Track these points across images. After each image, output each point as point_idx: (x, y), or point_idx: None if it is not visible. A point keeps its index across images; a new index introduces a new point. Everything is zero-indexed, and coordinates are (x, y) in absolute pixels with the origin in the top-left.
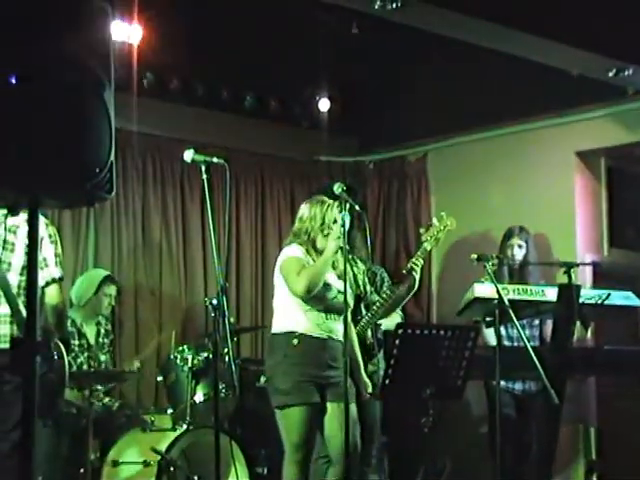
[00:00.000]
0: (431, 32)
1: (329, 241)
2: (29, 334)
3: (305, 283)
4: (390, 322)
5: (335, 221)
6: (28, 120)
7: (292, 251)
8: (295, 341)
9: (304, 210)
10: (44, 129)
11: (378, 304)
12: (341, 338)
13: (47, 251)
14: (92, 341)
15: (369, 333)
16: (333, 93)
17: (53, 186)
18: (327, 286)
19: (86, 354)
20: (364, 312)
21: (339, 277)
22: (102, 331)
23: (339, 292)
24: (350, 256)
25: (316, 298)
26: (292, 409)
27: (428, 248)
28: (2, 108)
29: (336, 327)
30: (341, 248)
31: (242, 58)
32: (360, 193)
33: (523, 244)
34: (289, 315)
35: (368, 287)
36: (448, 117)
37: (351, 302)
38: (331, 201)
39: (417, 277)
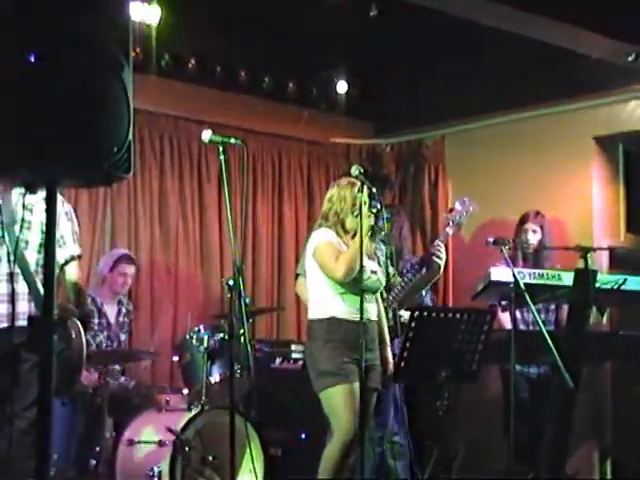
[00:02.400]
0: (450, 15)
1: (361, 221)
2: (46, 312)
3: (345, 269)
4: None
5: (366, 203)
6: (47, 100)
7: (324, 236)
8: (336, 327)
9: (333, 191)
10: (63, 109)
11: (399, 287)
12: (376, 318)
13: (64, 229)
14: (112, 320)
15: (389, 315)
16: (351, 76)
17: (71, 165)
18: (361, 268)
19: (105, 333)
20: (385, 295)
21: (369, 257)
22: (123, 310)
23: (372, 272)
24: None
25: (352, 281)
26: (338, 388)
27: (450, 232)
28: (21, 88)
29: (372, 308)
30: (372, 227)
31: (260, 40)
32: (388, 182)
33: (538, 229)
34: (326, 300)
35: (390, 269)
36: (466, 101)
37: (383, 281)
38: (360, 183)
39: (442, 263)
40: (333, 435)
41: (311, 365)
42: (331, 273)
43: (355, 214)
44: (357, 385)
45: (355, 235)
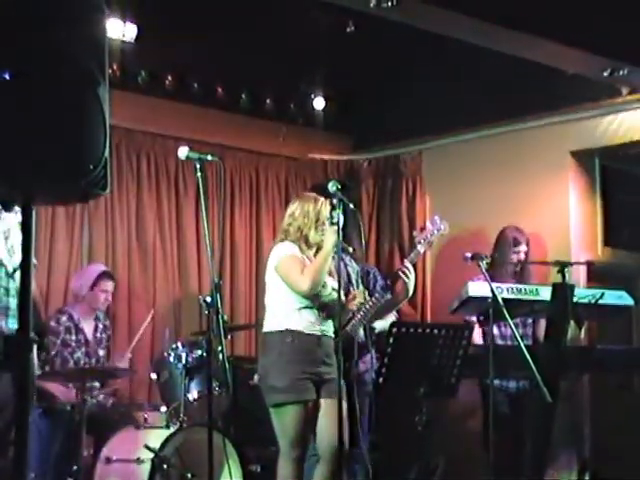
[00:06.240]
0: (427, 30)
1: (327, 235)
2: (23, 329)
3: (310, 281)
4: (385, 323)
5: (329, 218)
6: (22, 116)
7: (288, 249)
8: (289, 339)
9: (295, 207)
10: (38, 126)
11: (369, 304)
12: (332, 334)
13: (16, 239)
14: (89, 336)
15: (361, 332)
16: (328, 91)
17: (47, 182)
18: (323, 284)
19: (84, 349)
20: (356, 312)
21: (329, 274)
22: (100, 326)
23: (333, 289)
24: (345, 255)
25: (313, 297)
26: (289, 407)
27: (421, 251)
28: None
29: (329, 324)
30: (338, 243)
31: (237, 55)
32: (354, 190)
33: (526, 249)
34: (283, 313)
35: (361, 287)
36: (443, 116)
37: (344, 298)
38: (323, 198)
39: (410, 281)
40: (280, 450)
41: (263, 378)
42: (296, 285)
43: (319, 230)
44: (311, 403)
45: (318, 250)
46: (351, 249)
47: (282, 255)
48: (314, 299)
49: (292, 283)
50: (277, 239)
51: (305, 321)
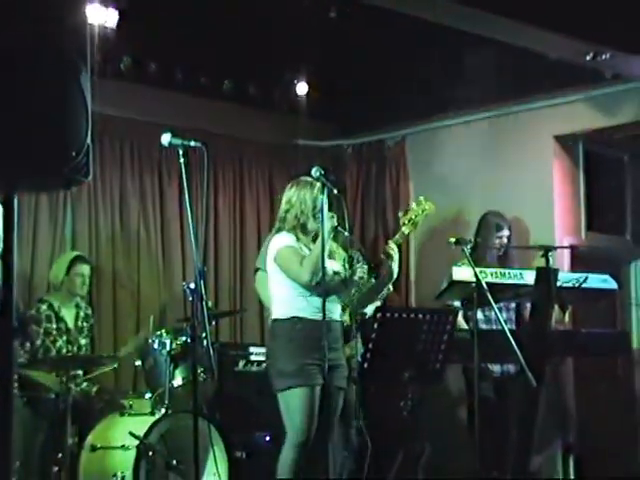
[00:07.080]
0: (410, 15)
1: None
2: (5, 317)
3: (310, 272)
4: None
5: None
6: (3, 104)
7: (285, 240)
8: (299, 326)
9: (292, 193)
10: (20, 113)
11: (355, 287)
12: (339, 318)
13: None
14: (71, 325)
15: (346, 316)
16: (312, 77)
17: (29, 170)
18: (323, 270)
19: (65, 337)
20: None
21: (329, 257)
22: (81, 314)
23: (335, 273)
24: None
25: (317, 284)
26: (296, 391)
27: (406, 232)
28: None
29: (335, 308)
30: (336, 228)
31: (221, 42)
32: (339, 176)
33: (509, 233)
34: (290, 301)
35: (347, 273)
36: (427, 101)
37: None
38: (319, 183)
39: (395, 263)
40: (286, 436)
41: (271, 364)
42: (297, 277)
43: (317, 216)
44: (318, 388)
45: (316, 236)
46: (349, 236)
47: (279, 247)
48: (316, 287)
49: (293, 276)
50: (274, 228)
51: (312, 307)
